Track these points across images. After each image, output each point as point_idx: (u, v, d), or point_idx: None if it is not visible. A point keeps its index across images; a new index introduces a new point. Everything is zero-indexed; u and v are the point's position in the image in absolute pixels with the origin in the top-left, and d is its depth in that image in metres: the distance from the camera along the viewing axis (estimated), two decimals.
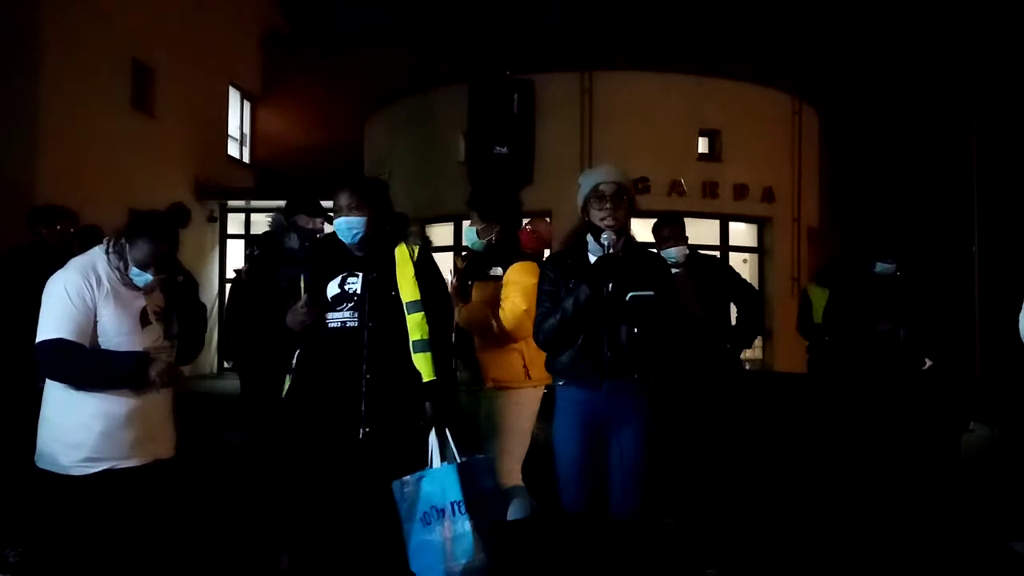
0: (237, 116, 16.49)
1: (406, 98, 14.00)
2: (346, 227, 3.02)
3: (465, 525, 2.80)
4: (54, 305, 2.59)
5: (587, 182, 3.09)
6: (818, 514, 4.76)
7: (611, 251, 2.89)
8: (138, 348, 2.67)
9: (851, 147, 15.41)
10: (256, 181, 16.38)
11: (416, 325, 3.00)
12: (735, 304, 4.54)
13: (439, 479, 2.87)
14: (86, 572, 2.64)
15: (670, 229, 4.34)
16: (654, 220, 4.40)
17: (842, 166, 15.24)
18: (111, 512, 2.64)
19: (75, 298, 2.58)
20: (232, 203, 14.77)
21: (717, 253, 12.03)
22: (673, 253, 4.27)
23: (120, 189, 11.24)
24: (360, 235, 3.02)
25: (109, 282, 2.66)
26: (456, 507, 2.83)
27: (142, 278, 2.71)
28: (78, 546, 2.62)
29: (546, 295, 3.04)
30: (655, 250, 4.31)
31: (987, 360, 11.16)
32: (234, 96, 16.27)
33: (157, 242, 2.71)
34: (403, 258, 3.07)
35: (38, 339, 2.57)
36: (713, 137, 13.00)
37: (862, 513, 4.56)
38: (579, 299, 2.87)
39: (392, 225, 3.15)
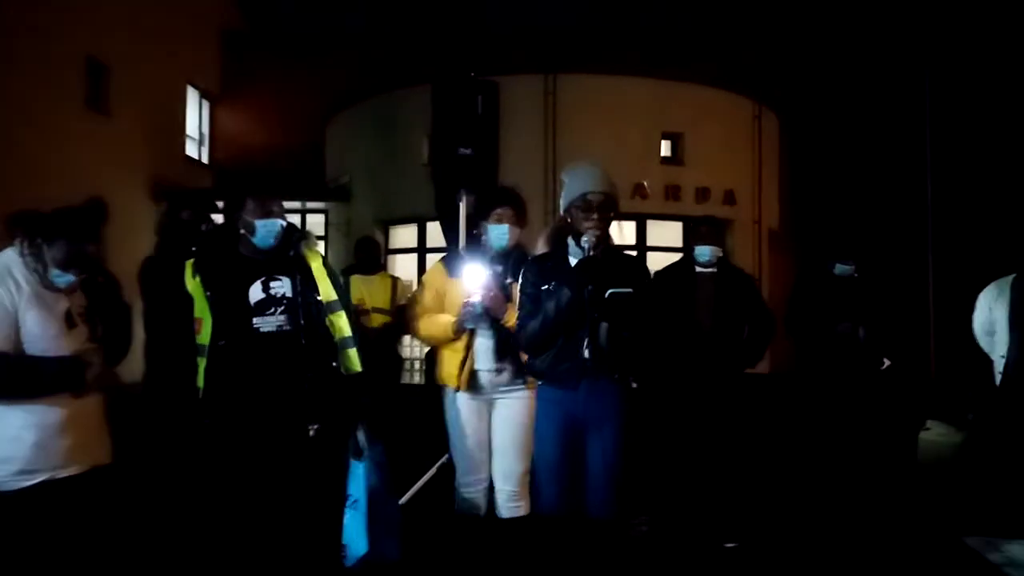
0: (195, 116, 16.20)
1: (368, 99, 13.92)
2: (268, 229, 3.08)
3: (374, 513, 3.06)
4: None
5: (573, 187, 3.03)
6: (780, 512, 4.81)
7: (591, 253, 2.88)
8: (66, 351, 2.55)
9: (810, 151, 15.68)
10: (215, 181, 16.12)
11: (342, 323, 3.16)
12: (748, 324, 4.49)
13: (356, 469, 3.12)
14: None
15: (707, 228, 4.48)
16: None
17: (801, 170, 15.50)
18: (53, 524, 2.53)
19: None
20: None
21: (679, 255, 12.14)
22: (707, 252, 4.37)
23: (73, 190, 10.72)
24: (277, 235, 3.09)
25: (28, 285, 2.52)
26: (365, 496, 3.08)
27: (63, 279, 2.58)
28: (24, 562, 2.51)
29: (528, 297, 3.03)
30: (692, 245, 4.47)
31: (942, 360, 11.42)
32: (192, 95, 15.99)
33: (77, 241, 2.59)
34: (317, 263, 3.18)
35: None
36: (676, 140, 13.13)
37: (824, 510, 4.61)
38: (560, 302, 2.87)
39: (297, 231, 3.22)
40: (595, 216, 2.94)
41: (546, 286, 2.99)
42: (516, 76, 11.62)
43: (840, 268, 4.84)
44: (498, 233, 3.43)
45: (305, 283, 3.11)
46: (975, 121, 14.13)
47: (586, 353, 2.90)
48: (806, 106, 15.48)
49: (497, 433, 3.47)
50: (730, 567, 4.06)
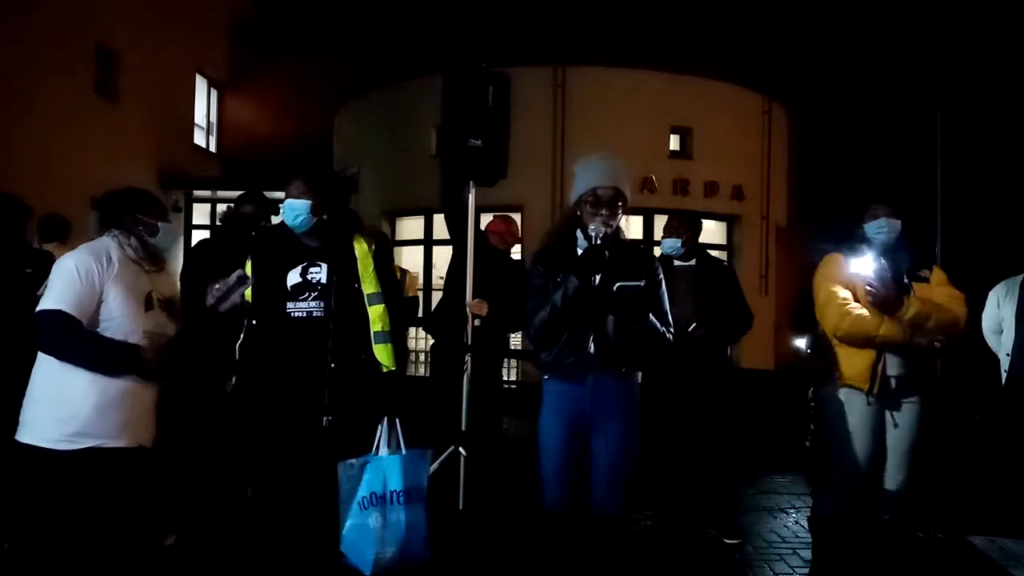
0: (204, 104, 16.21)
1: (377, 90, 13.89)
2: (289, 210, 3.09)
3: (401, 515, 2.97)
4: (61, 280, 2.65)
5: (585, 180, 3.01)
6: (783, 508, 4.81)
7: (598, 241, 2.85)
8: (139, 330, 2.71)
9: (819, 147, 15.61)
10: (223, 171, 16.14)
11: (378, 317, 3.12)
12: (726, 318, 4.45)
13: (383, 467, 3.00)
14: (73, 555, 2.60)
15: (678, 221, 4.50)
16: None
17: (810, 166, 15.43)
18: (93, 492, 2.63)
19: (83, 276, 2.64)
20: (197, 193, 14.53)
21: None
22: (668, 244, 4.41)
23: (82, 177, 10.98)
24: (303, 218, 3.07)
25: (119, 263, 2.74)
26: (395, 496, 2.98)
27: (169, 232, 2.87)
28: (63, 525, 2.59)
29: (536, 289, 3.02)
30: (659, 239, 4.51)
31: (948, 359, 11.37)
32: (201, 84, 15.99)
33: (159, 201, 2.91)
34: (363, 252, 3.15)
35: (39, 308, 2.63)
36: (684, 134, 13.08)
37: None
38: (568, 291, 2.85)
39: (348, 219, 3.22)
40: (604, 212, 2.93)
41: (556, 278, 2.98)
42: (524, 68, 11.59)
43: None
44: (877, 228, 3.59)
45: (343, 270, 3.09)
46: (985, 119, 14.06)
47: (592, 347, 2.89)
48: (816, 101, 15.41)
49: (898, 437, 3.45)
50: (732, 564, 4.06)
